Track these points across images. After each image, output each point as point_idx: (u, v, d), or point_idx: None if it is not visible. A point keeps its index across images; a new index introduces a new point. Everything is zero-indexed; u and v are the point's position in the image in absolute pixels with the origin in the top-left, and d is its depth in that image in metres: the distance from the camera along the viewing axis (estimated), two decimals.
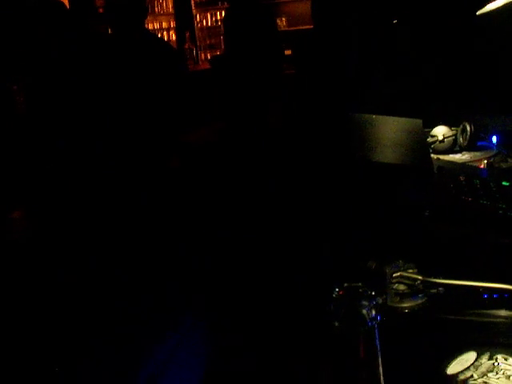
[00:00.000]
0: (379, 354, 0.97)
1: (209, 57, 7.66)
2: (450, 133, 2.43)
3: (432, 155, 2.32)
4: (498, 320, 1.26)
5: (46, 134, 3.40)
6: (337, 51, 3.18)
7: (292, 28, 7.34)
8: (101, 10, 6.77)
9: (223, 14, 6.66)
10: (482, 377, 1.09)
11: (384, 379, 0.99)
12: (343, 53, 3.11)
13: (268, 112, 3.36)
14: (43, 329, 2.94)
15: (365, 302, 0.95)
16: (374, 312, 0.95)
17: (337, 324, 0.95)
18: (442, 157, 2.35)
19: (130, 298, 3.10)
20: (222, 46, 7.36)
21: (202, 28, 7.88)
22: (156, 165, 3.39)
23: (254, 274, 2.95)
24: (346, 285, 1.00)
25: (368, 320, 0.94)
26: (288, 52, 5.36)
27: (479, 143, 2.43)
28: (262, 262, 2.91)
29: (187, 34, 7.55)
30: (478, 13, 2.13)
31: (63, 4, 3.61)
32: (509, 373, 1.09)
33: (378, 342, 0.96)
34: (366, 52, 2.99)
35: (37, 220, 3.33)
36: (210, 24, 7.87)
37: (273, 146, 3.07)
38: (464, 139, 2.41)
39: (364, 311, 0.94)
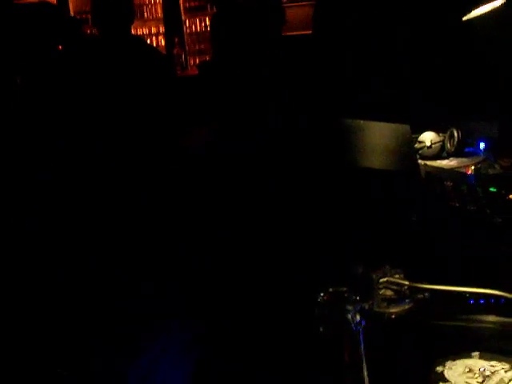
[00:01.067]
0: (364, 358, 0.96)
1: (198, 62, 7.65)
2: (438, 139, 2.44)
3: (419, 161, 2.32)
4: (484, 325, 1.25)
5: (46, 133, 3.40)
6: (335, 54, 3.17)
7: (287, 33, 7.34)
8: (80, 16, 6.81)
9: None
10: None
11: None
12: (342, 55, 3.10)
13: (268, 112, 3.35)
14: (42, 328, 2.93)
15: (349, 307, 0.94)
16: (358, 317, 0.94)
17: (322, 328, 0.94)
18: (429, 162, 2.35)
19: (129, 296, 3.09)
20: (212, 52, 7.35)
21: (191, 33, 7.87)
22: (156, 165, 3.39)
23: (252, 275, 2.93)
24: (330, 289, 0.99)
25: (353, 324, 0.93)
26: None
27: (466, 149, 2.44)
28: (260, 263, 2.89)
29: (176, 40, 7.53)
30: (464, 18, 2.14)
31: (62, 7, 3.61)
32: (494, 378, 1.08)
33: (363, 346, 0.95)
34: (364, 53, 2.98)
35: (36, 220, 3.31)
36: (199, 29, 7.86)
37: (272, 146, 3.05)
38: (451, 145, 2.41)
39: (349, 316, 0.93)
